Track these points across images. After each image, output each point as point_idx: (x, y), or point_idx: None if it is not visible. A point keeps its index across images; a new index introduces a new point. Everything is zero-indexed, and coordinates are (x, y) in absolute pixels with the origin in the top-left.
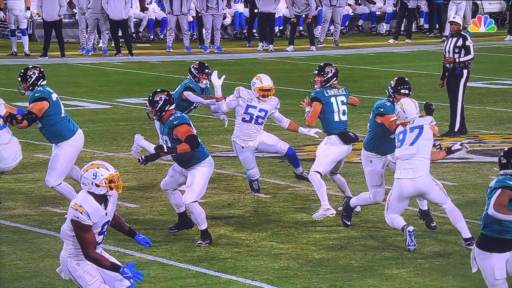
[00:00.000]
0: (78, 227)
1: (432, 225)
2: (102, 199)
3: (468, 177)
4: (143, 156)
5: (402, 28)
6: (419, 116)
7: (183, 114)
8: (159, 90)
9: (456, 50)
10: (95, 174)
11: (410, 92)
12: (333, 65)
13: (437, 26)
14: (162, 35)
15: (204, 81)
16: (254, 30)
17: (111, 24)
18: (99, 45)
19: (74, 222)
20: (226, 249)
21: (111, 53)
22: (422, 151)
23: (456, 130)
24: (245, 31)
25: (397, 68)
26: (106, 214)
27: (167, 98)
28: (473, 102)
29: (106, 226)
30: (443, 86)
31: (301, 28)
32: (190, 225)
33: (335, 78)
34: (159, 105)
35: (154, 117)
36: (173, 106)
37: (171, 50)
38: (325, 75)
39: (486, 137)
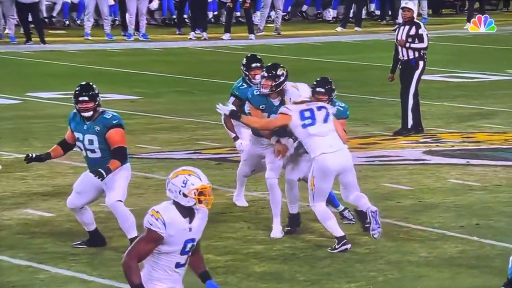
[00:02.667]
0: (146, 234)
1: (367, 225)
2: (188, 213)
3: (425, 181)
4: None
5: (351, 15)
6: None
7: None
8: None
9: (409, 40)
10: (185, 182)
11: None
12: (283, 66)
13: (390, 13)
14: (79, 21)
15: (258, 77)
16: (185, 16)
17: (19, 8)
18: (5, 32)
19: (144, 231)
20: None
21: (20, 40)
22: (335, 130)
23: (409, 127)
24: (174, 16)
25: (346, 60)
26: (190, 229)
27: (98, 92)
28: (430, 97)
29: (190, 245)
30: (394, 80)
31: (238, 13)
32: (103, 241)
33: (285, 83)
34: (99, 100)
35: (88, 114)
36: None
37: (90, 38)
38: (277, 79)
39: (445, 136)
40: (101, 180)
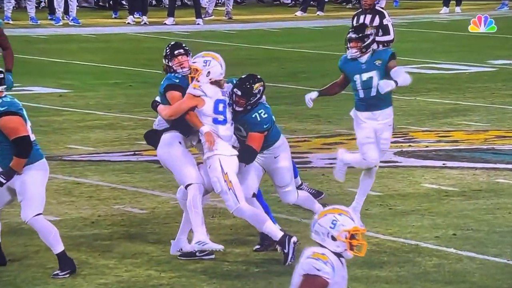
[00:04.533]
0: (311, 281)
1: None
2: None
3: (396, 185)
4: None
5: None
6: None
7: (15, 99)
8: None
9: None
10: (334, 222)
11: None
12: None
13: None
14: None
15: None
16: None
17: None
18: None
19: (308, 279)
20: (89, 281)
21: None
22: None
23: None
24: None
25: (306, 48)
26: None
27: None
28: (400, 91)
29: None
30: None
31: None
32: (3, 261)
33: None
34: None
35: None
36: (2, 87)
37: (11, 22)
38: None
39: (418, 135)
40: (1, 186)
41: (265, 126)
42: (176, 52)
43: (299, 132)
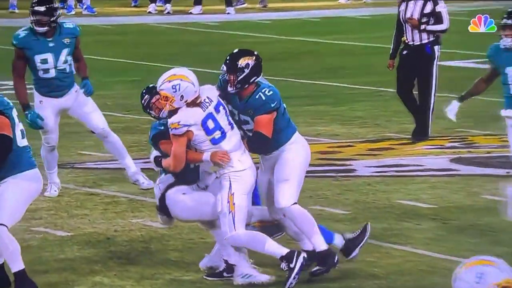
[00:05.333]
0: None
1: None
2: None
3: (452, 197)
4: None
5: None
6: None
7: (4, 98)
8: None
9: (424, 19)
10: (480, 276)
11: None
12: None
13: None
14: None
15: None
16: None
17: None
18: None
19: None
20: None
21: None
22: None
23: (421, 132)
24: None
25: (350, 40)
26: None
27: None
28: (457, 89)
29: None
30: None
31: None
32: (6, 283)
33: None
34: None
35: None
36: None
37: (16, 11)
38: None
39: (478, 139)
40: None
41: (272, 105)
42: (149, 100)
43: (342, 136)
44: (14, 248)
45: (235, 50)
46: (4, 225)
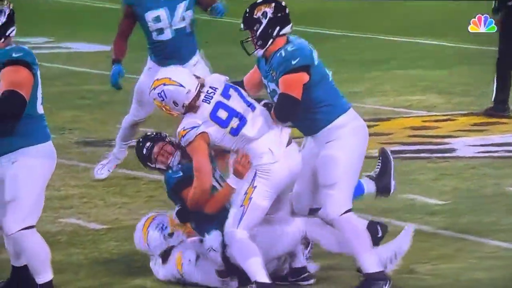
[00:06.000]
0: None
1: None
2: None
3: None
4: None
5: None
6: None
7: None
8: None
9: None
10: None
11: None
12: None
13: None
14: None
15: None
16: None
17: None
18: None
19: None
20: None
21: None
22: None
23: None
24: None
25: None
26: None
27: (10, 13)
28: None
29: None
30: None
31: None
32: (31, 285)
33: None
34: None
35: None
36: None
37: None
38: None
39: None
40: None
41: (293, 62)
42: (151, 152)
43: (439, 107)
44: (45, 256)
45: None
46: (31, 226)
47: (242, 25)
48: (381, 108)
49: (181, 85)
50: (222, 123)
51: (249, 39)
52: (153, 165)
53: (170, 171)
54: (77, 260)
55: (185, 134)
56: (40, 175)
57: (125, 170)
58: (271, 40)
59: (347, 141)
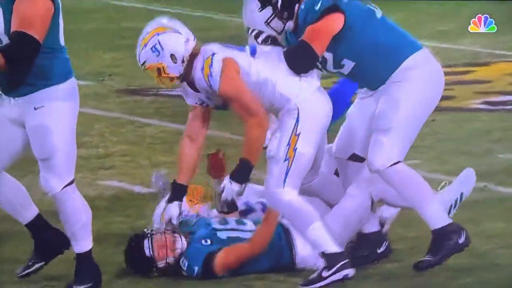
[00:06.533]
0: None
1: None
2: None
3: None
4: None
5: None
6: None
7: None
8: None
9: None
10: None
11: None
12: None
13: None
14: None
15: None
16: None
17: None
18: None
19: None
20: None
21: None
22: None
23: None
24: None
25: None
26: None
27: None
28: None
29: None
30: None
31: None
32: (64, 243)
33: None
34: None
35: None
36: None
37: None
38: None
39: None
40: None
41: (317, 7)
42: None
43: None
44: (87, 218)
45: None
46: (71, 182)
47: (259, 6)
48: (478, 50)
49: (178, 32)
50: (238, 48)
51: (273, 16)
52: (164, 263)
53: (189, 248)
54: (118, 229)
55: (211, 63)
56: (70, 121)
57: (174, 124)
58: (296, 5)
59: (415, 84)
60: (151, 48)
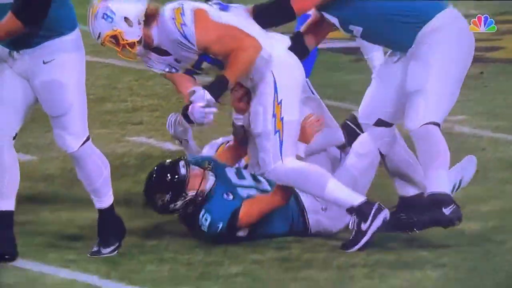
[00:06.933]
0: None
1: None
2: None
3: None
4: None
5: None
6: None
7: None
8: None
9: None
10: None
11: None
12: None
13: None
14: None
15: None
16: None
17: None
18: None
19: None
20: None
21: None
22: None
23: None
24: None
25: None
26: None
27: None
28: None
29: None
30: None
31: None
32: (10, 252)
33: None
34: None
35: None
36: None
37: None
38: None
39: None
40: None
41: None
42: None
43: None
44: (108, 172)
45: None
46: (87, 139)
47: None
48: None
49: None
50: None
51: None
52: (193, 194)
53: (209, 204)
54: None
55: (182, 11)
56: (81, 73)
57: (204, 76)
58: None
59: (443, 43)
60: (103, 16)
